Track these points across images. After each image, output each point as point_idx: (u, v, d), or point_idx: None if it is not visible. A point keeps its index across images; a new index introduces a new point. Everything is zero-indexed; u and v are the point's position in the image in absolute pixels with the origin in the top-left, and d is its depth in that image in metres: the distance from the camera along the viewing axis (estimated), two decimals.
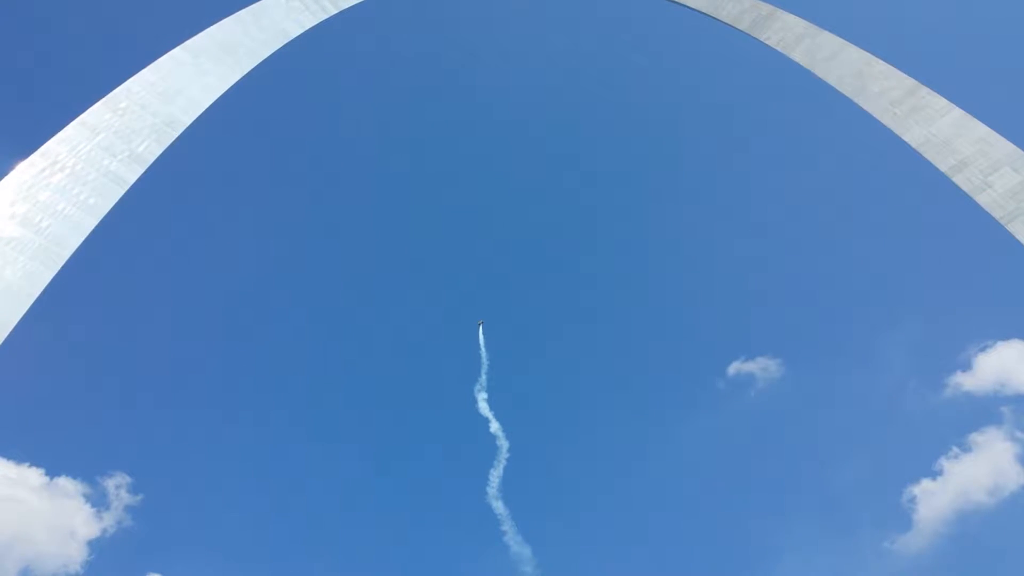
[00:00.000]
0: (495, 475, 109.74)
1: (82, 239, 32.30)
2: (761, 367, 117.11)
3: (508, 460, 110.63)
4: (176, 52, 41.02)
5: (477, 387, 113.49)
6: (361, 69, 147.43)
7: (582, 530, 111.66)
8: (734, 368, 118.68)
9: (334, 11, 52.02)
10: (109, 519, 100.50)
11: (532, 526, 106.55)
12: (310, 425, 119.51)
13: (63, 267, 31.26)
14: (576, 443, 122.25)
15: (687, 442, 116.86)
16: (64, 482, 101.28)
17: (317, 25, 50.22)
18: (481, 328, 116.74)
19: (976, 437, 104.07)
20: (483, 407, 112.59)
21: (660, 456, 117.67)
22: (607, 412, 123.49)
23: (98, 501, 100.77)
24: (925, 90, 44.93)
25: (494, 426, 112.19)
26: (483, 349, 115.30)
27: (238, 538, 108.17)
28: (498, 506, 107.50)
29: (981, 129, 41.47)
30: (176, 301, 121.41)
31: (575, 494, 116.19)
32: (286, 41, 47.78)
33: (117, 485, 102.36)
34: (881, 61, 47.98)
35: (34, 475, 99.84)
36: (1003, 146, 40.24)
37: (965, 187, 40.88)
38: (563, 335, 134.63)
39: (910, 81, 45.91)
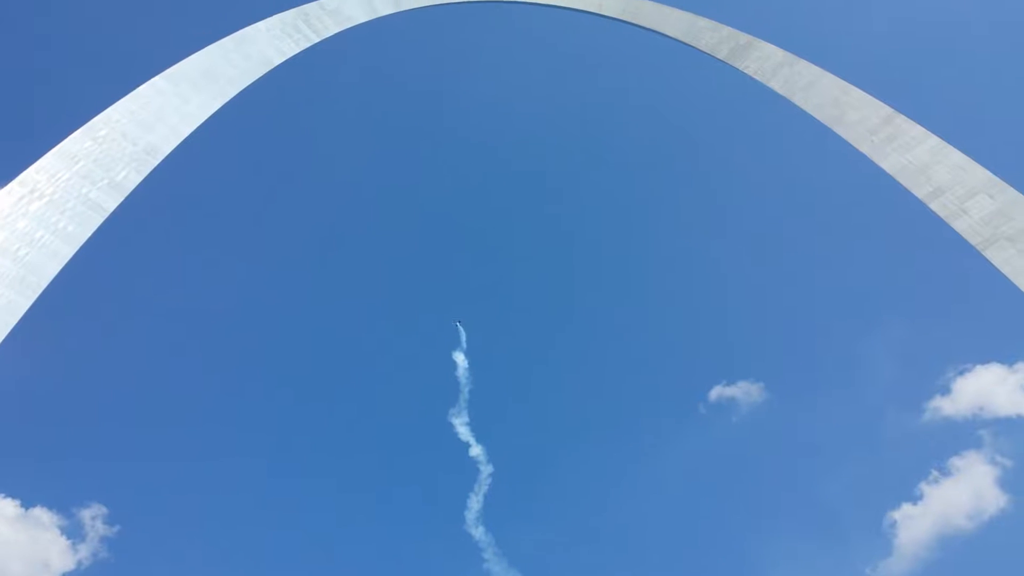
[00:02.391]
0: (475, 500, 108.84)
1: (60, 267, 31.96)
2: (743, 391, 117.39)
3: (490, 485, 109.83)
4: (156, 80, 40.91)
5: (455, 409, 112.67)
6: (343, 97, 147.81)
7: (569, 554, 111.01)
8: (716, 393, 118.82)
9: (317, 39, 52.17)
10: (84, 551, 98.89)
11: (517, 551, 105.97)
12: (287, 456, 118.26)
13: (40, 296, 30.91)
14: (558, 469, 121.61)
15: (670, 468, 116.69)
16: (39, 513, 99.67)
17: (300, 53, 50.36)
18: (461, 329, 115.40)
19: (956, 461, 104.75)
20: (462, 430, 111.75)
21: (643, 481, 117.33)
22: (588, 439, 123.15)
23: (73, 532, 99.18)
24: (901, 118, 45.56)
25: (475, 450, 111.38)
26: (463, 361, 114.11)
27: (215, 570, 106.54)
28: (478, 532, 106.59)
29: (957, 156, 42.02)
30: (154, 329, 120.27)
31: (560, 519, 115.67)
32: (268, 69, 47.81)
33: (93, 516, 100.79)
34: (858, 89, 48.66)
35: (9, 506, 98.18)
36: (979, 173, 40.77)
37: (942, 213, 41.34)
38: (543, 362, 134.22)
39: (887, 109, 46.55)
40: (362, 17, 57.18)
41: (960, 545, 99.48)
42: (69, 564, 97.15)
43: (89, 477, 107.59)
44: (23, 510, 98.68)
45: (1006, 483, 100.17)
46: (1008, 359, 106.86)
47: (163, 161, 38.84)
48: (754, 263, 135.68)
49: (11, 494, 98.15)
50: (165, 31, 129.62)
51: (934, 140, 43.52)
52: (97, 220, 34.37)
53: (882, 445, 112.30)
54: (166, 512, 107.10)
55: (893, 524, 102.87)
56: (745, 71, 55.96)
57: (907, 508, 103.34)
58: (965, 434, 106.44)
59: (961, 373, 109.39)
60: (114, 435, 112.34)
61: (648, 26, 63.90)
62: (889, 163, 44.77)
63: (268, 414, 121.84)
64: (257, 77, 46.85)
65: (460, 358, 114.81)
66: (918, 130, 44.51)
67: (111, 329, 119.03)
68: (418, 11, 63.54)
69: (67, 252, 32.53)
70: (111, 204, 35.29)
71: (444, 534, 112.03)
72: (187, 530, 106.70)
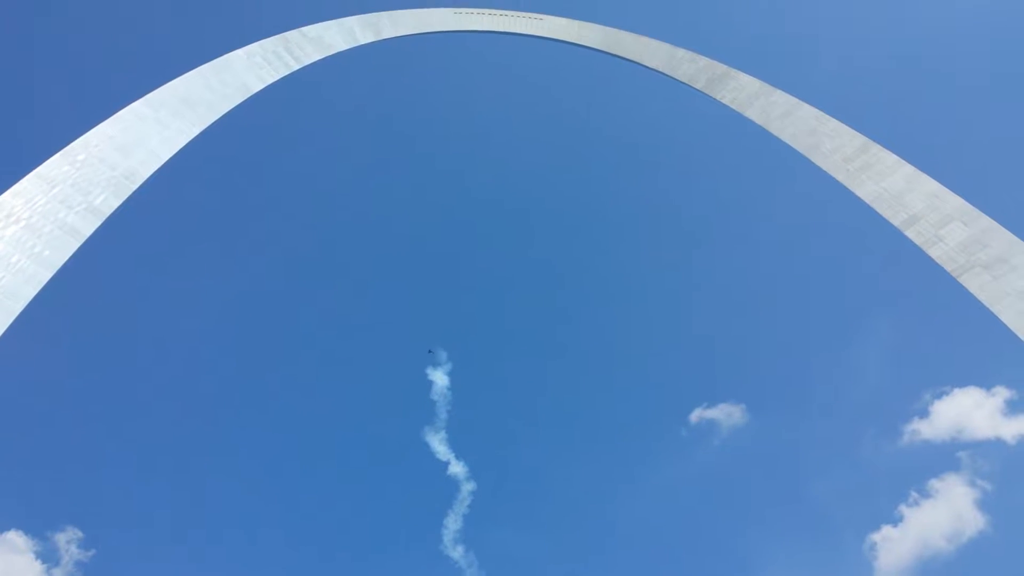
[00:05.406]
0: (453, 520, 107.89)
1: (36, 291, 31.57)
2: (724, 413, 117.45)
3: (470, 505, 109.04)
4: (136, 105, 40.81)
5: (431, 429, 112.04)
6: (322, 124, 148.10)
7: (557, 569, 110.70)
8: (697, 415, 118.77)
9: (296, 66, 52.33)
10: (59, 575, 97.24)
11: (499, 568, 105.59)
12: (261, 480, 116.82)
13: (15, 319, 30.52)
14: (542, 492, 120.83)
15: (652, 491, 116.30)
16: (14, 536, 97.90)
17: (279, 80, 50.48)
18: (431, 355, 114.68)
19: (935, 483, 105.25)
20: (441, 449, 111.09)
21: (625, 504, 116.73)
22: (569, 465, 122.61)
23: (48, 557, 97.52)
24: (876, 147, 46.21)
25: (455, 468, 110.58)
26: (442, 380, 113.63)
27: None
28: (457, 552, 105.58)
29: (931, 184, 42.63)
30: (126, 354, 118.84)
31: (546, 538, 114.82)
32: (248, 96, 47.83)
33: (68, 540, 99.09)
34: (833, 119, 49.37)
35: None
36: (953, 200, 41.35)
37: (917, 241, 41.83)
38: (524, 388, 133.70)
39: (861, 138, 47.22)
40: (342, 45, 57.51)
41: (940, 567, 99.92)
42: None
43: (64, 501, 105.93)
44: None
45: (985, 505, 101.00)
46: (986, 383, 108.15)
47: (141, 186, 38.65)
48: (732, 287, 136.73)
49: None
50: (145, 57, 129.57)
51: (908, 168, 44.16)
52: (74, 244, 34.05)
53: (862, 467, 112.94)
54: (141, 536, 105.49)
55: (873, 546, 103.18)
56: (722, 101, 56.74)
57: (887, 530, 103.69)
58: (944, 456, 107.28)
59: (939, 396, 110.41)
60: (89, 459, 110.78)
61: (627, 56, 64.75)
62: (864, 191, 45.34)
63: (242, 438, 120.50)
64: (237, 103, 46.85)
65: (439, 377, 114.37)
66: (893, 159, 45.17)
67: (87, 353, 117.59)
68: (398, 40, 64.01)
69: (44, 276, 32.14)
70: (88, 229, 34.98)
71: (420, 557, 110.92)
72: (162, 554, 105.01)
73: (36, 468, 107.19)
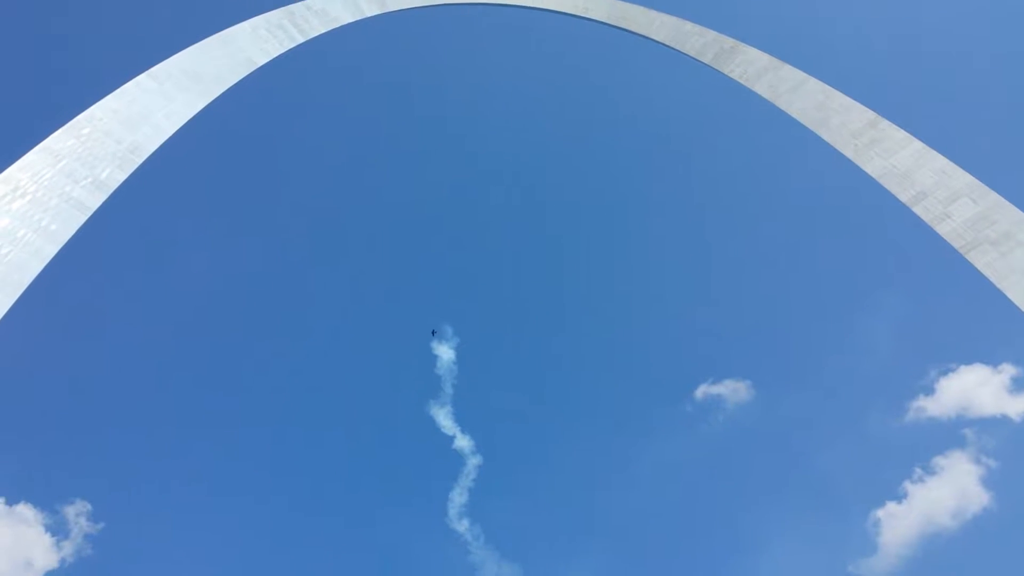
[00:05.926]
0: (459, 494, 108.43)
1: (43, 265, 31.65)
2: (730, 389, 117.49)
3: (474, 482, 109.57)
4: (141, 79, 40.66)
5: (436, 404, 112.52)
6: (329, 97, 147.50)
7: (565, 543, 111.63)
8: (702, 391, 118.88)
9: (302, 39, 52.02)
10: (68, 548, 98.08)
11: (507, 542, 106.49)
12: (266, 454, 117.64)
13: (22, 293, 30.64)
14: (547, 468, 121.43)
15: (657, 466, 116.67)
16: (23, 509, 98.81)
17: (285, 52, 50.22)
18: (435, 336, 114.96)
19: (940, 460, 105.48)
20: (446, 423, 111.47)
21: (627, 481, 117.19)
22: (574, 441, 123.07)
23: (58, 530, 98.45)
24: (885, 123, 45.87)
25: (461, 442, 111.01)
26: (447, 353, 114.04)
27: (199, 567, 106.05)
28: (463, 525, 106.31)
29: (940, 161, 42.34)
30: (137, 327, 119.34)
31: (553, 513, 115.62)
32: (253, 68, 47.63)
33: (77, 513, 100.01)
34: (842, 94, 48.96)
35: None
36: (962, 177, 41.09)
37: (925, 217, 41.62)
38: (528, 363, 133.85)
39: (870, 114, 46.87)
40: (348, 18, 57.07)
41: (944, 543, 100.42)
42: (53, 561, 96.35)
43: (74, 474, 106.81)
44: (7, 507, 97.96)
45: (990, 482, 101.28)
46: (992, 360, 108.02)
47: (147, 160, 38.63)
48: (738, 263, 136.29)
49: None
50: (151, 29, 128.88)
51: (917, 144, 43.86)
52: (80, 218, 34.08)
53: (867, 444, 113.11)
54: (151, 509, 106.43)
55: (877, 522, 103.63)
56: (730, 75, 56.27)
57: (891, 506, 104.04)
58: (949, 433, 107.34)
59: (944, 373, 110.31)
60: (99, 432, 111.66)
61: (634, 30, 64.19)
62: (873, 167, 45.08)
63: (249, 413, 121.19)
64: (242, 76, 46.65)
65: (444, 351, 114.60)
66: (901, 134, 44.85)
67: (95, 326, 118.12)
68: (404, 12, 63.52)
69: (50, 250, 32.22)
70: (94, 202, 35.00)
71: (426, 530, 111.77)
72: (172, 527, 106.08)
73: (45, 441, 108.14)
